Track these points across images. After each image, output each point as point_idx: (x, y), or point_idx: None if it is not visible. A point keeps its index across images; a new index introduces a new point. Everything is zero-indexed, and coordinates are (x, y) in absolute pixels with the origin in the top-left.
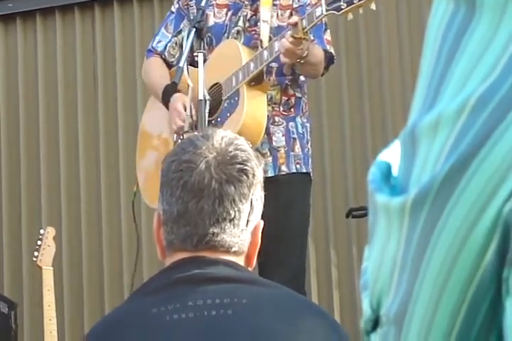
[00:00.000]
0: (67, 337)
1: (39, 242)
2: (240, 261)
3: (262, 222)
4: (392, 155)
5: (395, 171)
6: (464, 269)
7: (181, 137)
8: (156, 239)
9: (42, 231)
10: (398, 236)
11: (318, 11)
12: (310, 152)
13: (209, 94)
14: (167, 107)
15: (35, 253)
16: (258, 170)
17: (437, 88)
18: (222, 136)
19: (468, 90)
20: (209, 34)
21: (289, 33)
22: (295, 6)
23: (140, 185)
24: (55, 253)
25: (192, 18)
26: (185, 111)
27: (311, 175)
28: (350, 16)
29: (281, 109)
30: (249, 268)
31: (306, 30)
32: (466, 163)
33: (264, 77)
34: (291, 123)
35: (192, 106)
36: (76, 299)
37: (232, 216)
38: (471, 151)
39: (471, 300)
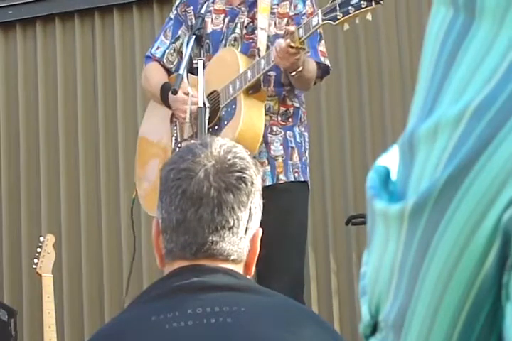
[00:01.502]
0: None
1: (39, 249)
2: (239, 269)
3: (260, 230)
4: (390, 159)
5: (394, 176)
6: (463, 275)
7: (179, 145)
8: (155, 247)
9: (41, 238)
10: (396, 242)
11: (314, 21)
12: (308, 161)
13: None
14: (166, 104)
15: (35, 261)
16: (257, 178)
17: (436, 94)
18: (220, 144)
19: (468, 96)
20: (207, 41)
21: (288, 41)
22: (291, 14)
23: (139, 193)
24: (55, 261)
25: (190, 24)
26: (188, 95)
27: (309, 183)
28: (346, 26)
29: (279, 118)
30: (248, 276)
31: (302, 39)
32: (465, 170)
33: (262, 86)
34: (288, 133)
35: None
36: (76, 306)
37: (231, 224)
38: (470, 158)
39: (470, 306)
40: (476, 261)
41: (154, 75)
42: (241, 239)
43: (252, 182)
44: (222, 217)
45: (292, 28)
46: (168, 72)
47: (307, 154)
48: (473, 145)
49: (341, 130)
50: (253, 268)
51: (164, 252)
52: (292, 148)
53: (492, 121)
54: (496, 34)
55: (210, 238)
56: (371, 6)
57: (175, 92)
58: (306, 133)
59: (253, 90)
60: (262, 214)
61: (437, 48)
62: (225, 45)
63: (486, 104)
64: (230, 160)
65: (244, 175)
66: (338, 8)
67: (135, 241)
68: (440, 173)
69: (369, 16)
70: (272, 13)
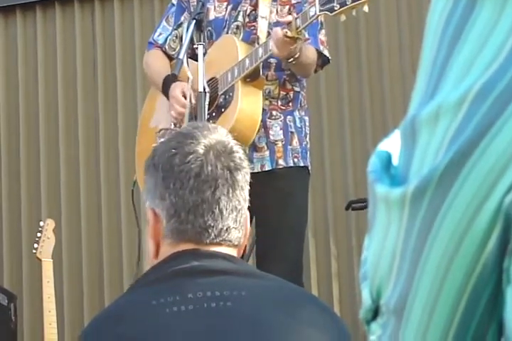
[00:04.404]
0: (67, 328)
1: (39, 234)
2: (235, 252)
3: (248, 212)
4: (392, 144)
5: (395, 161)
6: (465, 260)
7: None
8: (152, 235)
9: (41, 223)
10: (398, 226)
11: (311, 11)
12: (308, 145)
13: None
14: (167, 97)
15: (35, 246)
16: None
17: (438, 78)
18: (210, 127)
19: (470, 80)
20: (209, 28)
21: (284, 30)
22: (293, 2)
23: (139, 176)
24: (55, 245)
25: (192, 10)
26: (185, 99)
27: (309, 168)
28: (343, 17)
29: (279, 103)
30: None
31: (299, 29)
32: (467, 154)
33: (261, 74)
34: (288, 117)
35: (192, 96)
36: (76, 291)
37: (241, 205)
38: (471, 143)
39: (471, 290)
40: (477, 246)
41: (155, 62)
42: (245, 220)
43: (246, 161)
44: (236, 198)
45: (290, 17)
46: (171, 58)
47: (307, 139)
48: (474, 130)
49: (341, 114)
50: (242, 249)
51: (168, 233)
52: (292, 132)
53: (493, 105)
54: (498, 17)
55: (227, 222)
56: None
57: (174, 76)
58: (306, 118)
59: (251, 78)
60: (262, 199)
61: (439, 32)
62: (227, 33)
63: (487, 89)
64: (226, 141)
65: (242, 155)
66: None
67: (138, 225)
68: (441, 158)
69: (365, 8)
70: (274, 1)
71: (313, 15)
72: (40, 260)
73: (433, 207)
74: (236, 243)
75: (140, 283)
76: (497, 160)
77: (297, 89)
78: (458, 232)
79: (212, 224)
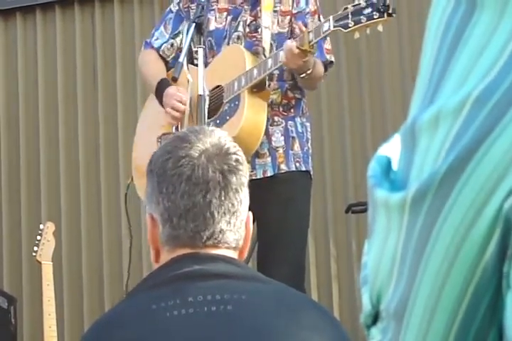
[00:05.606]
0: (67, 332)
1: (38, 237)
2: (236, 255)
3: (250, 214)
4: (392, 149)
5: (395, 165)
6: (464, 264)
7: (160, 140)
8: (150, 240)
9: (41, 226)
10: (398, 231)
11: (325, 26)
12: (310, 151)
13: (210, 95)
14: (160, 100)
15: (35, 248)
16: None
17: (438, 83)
18: (207, 130)
19: (470, 85)
20: (210, 38)
21: (294, 43)
22: (294, 12)
23: (135, 181)
24: (55, 248)
25: (192, 16)
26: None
27: (311, 173)
28: (356, 35)
29: (281, 109)
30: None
31: (312, 43)
32: (466, 159)
33: (267, 86)
34: (290, 123)
35: (191, 101)
36: (75, 294)
37: (236, 208)
38: (471, 147)
39: (471, 295)
40: (477, 250)
41: (152, 64)
42: (241, 223)
43: (244, 164)
44: (229, 201)
45: (303, 28)
46: (165, 61)
47: (309, 144)
48: (473, 135)
49: (341, 117)
50: (245, 253)
51: (165, 240)
52: (293, 138)
53: (493, 110)
54: (497, 22)
55: (220, 225)
56: (383, 17)
57: (175, 80)
58: (307, 124)
59: (258, 89)
60: (264, 203)
61: (439, 38)
62: (228, 43)
63: (487, 94)
64: (223, 143)
65: (239, 157)
66: (350, 16)
67: (130, 228)
68: (441, 163)
69: (380, 28)
70: (275, 11)
71: (326, 30)
72: (40, 263)
73: (433, 211)
74: (234, 245)
75: (140, 287)
76: (496, 165)
77: (299, 96)
78: (458, 237)
79: (203, 228)
